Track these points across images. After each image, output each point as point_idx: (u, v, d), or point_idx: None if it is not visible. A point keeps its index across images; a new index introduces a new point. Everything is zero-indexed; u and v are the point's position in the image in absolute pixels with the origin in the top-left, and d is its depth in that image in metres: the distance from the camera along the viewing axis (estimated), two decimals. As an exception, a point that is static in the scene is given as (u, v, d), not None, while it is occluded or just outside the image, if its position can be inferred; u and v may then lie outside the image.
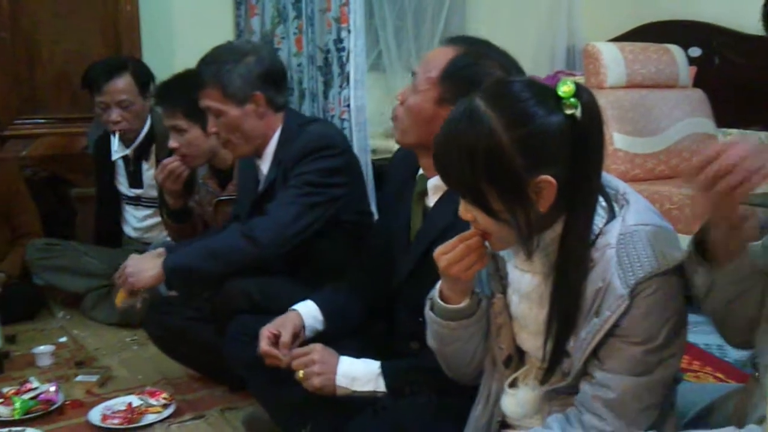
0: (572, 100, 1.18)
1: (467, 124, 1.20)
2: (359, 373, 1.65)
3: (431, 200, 1.70)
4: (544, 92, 1.20)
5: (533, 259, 1.29)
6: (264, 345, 1.73)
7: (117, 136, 3.13)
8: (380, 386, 1.64)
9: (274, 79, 2.18)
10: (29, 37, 3.49)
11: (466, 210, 1.27)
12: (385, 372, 1.64)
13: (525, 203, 1.19)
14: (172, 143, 2.49)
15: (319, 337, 1.81)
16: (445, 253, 1.32)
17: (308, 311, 1.84)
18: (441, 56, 1.62)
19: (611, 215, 1.25)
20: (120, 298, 2.15)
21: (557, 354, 1.28)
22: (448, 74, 1.59)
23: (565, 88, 1.18)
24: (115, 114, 3.07)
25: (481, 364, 1.46)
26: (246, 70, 2.12)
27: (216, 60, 2.13)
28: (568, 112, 1.18)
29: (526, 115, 1.18)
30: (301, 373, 1.65)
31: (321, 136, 2.16)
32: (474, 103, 1.21)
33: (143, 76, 3.15)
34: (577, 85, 1.19)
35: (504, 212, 1.21)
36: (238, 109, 2.13)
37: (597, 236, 1.23)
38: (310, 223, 2.07)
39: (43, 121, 3.58)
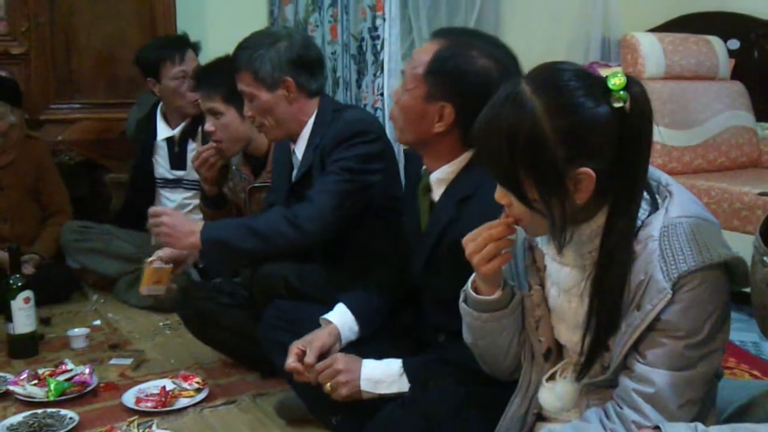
0: (622, 93, 1.15)
1: (510, 109, 1.18)
2: (382, 376, 1.66)
3: (436, 194, 1.70)
4: (594, 83, 1.17)
5: (564, 252, 1.27)
6: (290, 362, 1.74)
7: (161, 117, 3.23)
8: (404, 386, 1.65)
9: (305, 65, 2.18)
10: (66, 22, 3.53)
11: (501, 195, 1.25)
12: (407, 369, 1.65)
13: (561, 194, 1.18)
14: (208, 126, 2.50)
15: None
16: (472, 240, 1.31)
17: (344, 322, 1.83)
18: (425, 52, 1.61)
19: (654, 207, 1.22)
20: (144, 286, 2.15)
21: (596, 348, 1.26)
22: (432, 69, 1.58)
23: (615, 80, 1.15)
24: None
25: (516, 360, 1.45)
26: (276, 55, 2.14)
27: (250, 45, 2.16)
28: (617, 104, 1.15)
29: (573, 106, 1.15)
30: (328, 386, 1.68)
31: (357, 121, 2.16)
32: (519, 87, 1.19)
33: (197, 51, 3.21)
34: (628, 78, 1.16)
35: (539, 202, 1.19)
36: (269, 94, 2.14)
37: (639, 228, 1.21)
38: (349, 209, 2.07)
39: (79, 106, 3.63)
